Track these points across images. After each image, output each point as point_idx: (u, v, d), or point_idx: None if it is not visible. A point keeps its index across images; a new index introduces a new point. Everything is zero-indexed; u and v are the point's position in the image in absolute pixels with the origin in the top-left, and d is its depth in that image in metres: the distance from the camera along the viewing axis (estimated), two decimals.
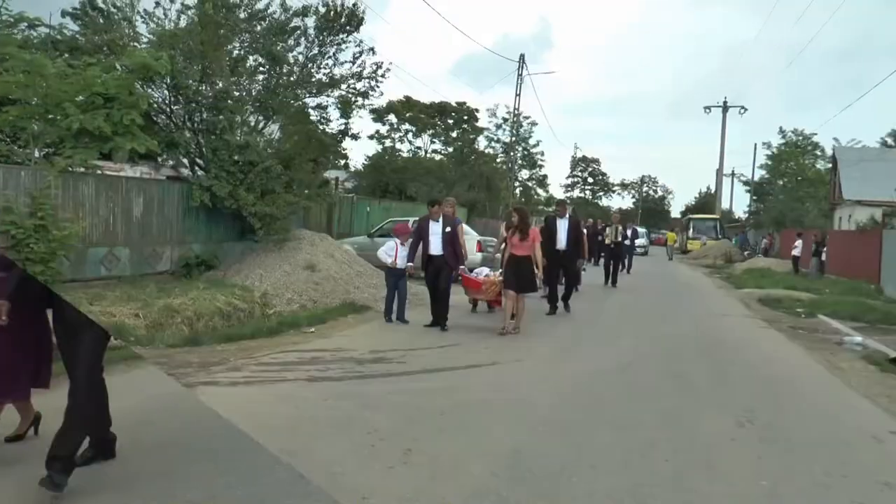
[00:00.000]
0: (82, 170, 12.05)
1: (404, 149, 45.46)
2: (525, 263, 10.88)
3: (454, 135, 48.12)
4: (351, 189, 34.23)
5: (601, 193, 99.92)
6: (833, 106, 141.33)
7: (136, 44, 14.58)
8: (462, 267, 11.67)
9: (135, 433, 4.79)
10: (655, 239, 59.71)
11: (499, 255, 11.69)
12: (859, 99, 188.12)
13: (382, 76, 17.40)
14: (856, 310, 15.15)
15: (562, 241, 13.50)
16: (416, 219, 11.98)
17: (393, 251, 11.38)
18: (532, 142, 59.76)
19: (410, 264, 11.16)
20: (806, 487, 4.77)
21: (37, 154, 12.19)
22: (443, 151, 47.89)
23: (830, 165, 44.56)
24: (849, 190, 36.85)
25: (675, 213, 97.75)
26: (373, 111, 37.03)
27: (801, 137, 52.62)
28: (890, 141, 49.84)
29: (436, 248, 11.00)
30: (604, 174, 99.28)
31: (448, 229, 11.02)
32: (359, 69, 17.09)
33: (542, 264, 11.92)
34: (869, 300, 17.42)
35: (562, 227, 13.62)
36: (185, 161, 15.45)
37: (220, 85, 14.58)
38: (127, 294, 10.78)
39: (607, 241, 20.96)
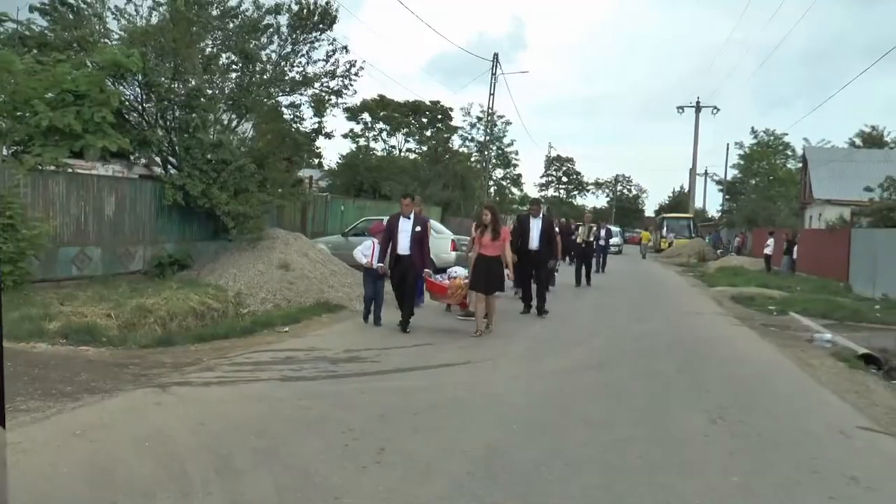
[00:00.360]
0: (52, 168, 11.90)
1: (378, 147, 45.52)
2: (495, 264, 10.72)
3: (428, 133, 48.22)
4: (325, 188, 34.15)
5: (575, 192, 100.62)
6: (803, 107, 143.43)
7: (106, 40, 14.44)
8: (427, 270, 11.17)
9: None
10: (630, 238, 60.23)
11: (472, 255, 11.37)
12: (828, 100, 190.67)
13: (356, 74, 17.44)
14: (826, 307, 15.39)
15: (534, 240, 13.33)
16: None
17: (369, 251, 11.08)
18: (506, 141, 60.21)
19: (381, 265, 10.77)
20: (777, 482, 4.83)
21: (5, 152, 12.01)
22: (417, 150, 47.98)
23: (801, 165, 45.22)
24: (819, 189, 37.41)
25: (650, 212, 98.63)
26: (346, 110, 37.01)
27: (772, 138, 53.51)
28: (858, 141, 50.63)
29: (404, 247, 10.56)
30: (578, 173, 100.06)
31: (418, 229, 10.60)
32: (332, 67, 17.10)
33: (513, 261, 11.90)
34: (838, 298, 17.68)
35: (535, 226, 13.41)
36: (158, 159, 15.32)
37: (193, 83, 14.48)
38: (99, 294, 10.68)
39: (578, 241, 20.86)
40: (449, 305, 12.71)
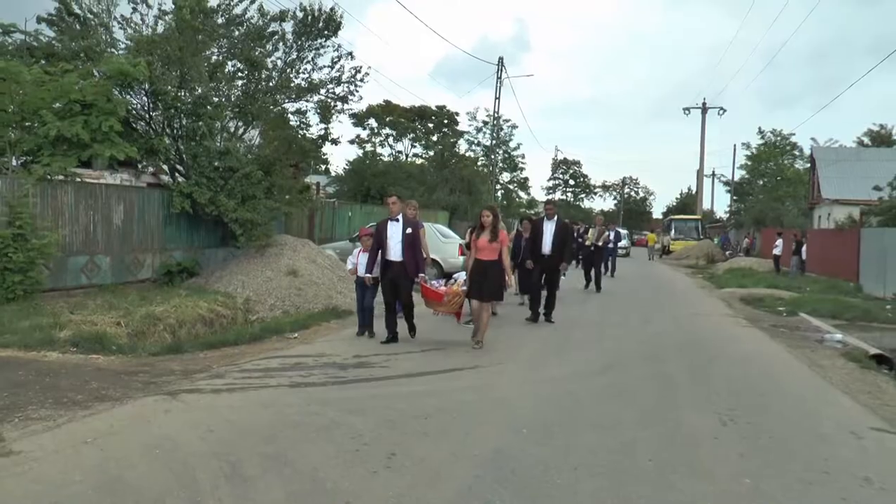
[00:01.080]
0: (61, 178, 11.96)
1: (385, 153, 45.66)
2: (492, 269, 9.90)
3: (434, 138, 48.31)
4: (332, 194, 34.20)
5: (583, 195, 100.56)
6: (810, 106, 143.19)
7: (113, 50, 14.50)
8: (422, 275, 10.12)
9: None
10: (637, 240, 60.11)
11: (469, 262, 10.69)
12: (835, 99, 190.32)
13: (361, 80, 17.42)
14: (836, 308, 15.33)
15: (547, 244, 12.73)
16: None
17: (355, 258, 10.60)
18: (513, 144, 60.12)
19: (369, 275, 10.10)
20: (788, 484, 4.80)
21: (14, 162, 12.08)
22: (423, 155, 48.07)
23: (809, 165, 45.09)
24: (827, 189, 37.31)
25: (657, 213, 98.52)
26: (352, 116, 37.16)
27: (779, 138, 53.32)
28: (867, 140, 50.45)
29: (395, 252, 9.79)
30: (585, 176, 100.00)
31: (409, 230, 9.80)
32: (338, 74, 17.09)
33: (529, 267, 11.70)
34: (848, 298, 17.60)
35: (548, 229, 12.79)
36: (165, 168, 15.37)
37: (199, 90, 14.50)
38: (108, 303, 10.72)
39: (587, 244, 20.67)
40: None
